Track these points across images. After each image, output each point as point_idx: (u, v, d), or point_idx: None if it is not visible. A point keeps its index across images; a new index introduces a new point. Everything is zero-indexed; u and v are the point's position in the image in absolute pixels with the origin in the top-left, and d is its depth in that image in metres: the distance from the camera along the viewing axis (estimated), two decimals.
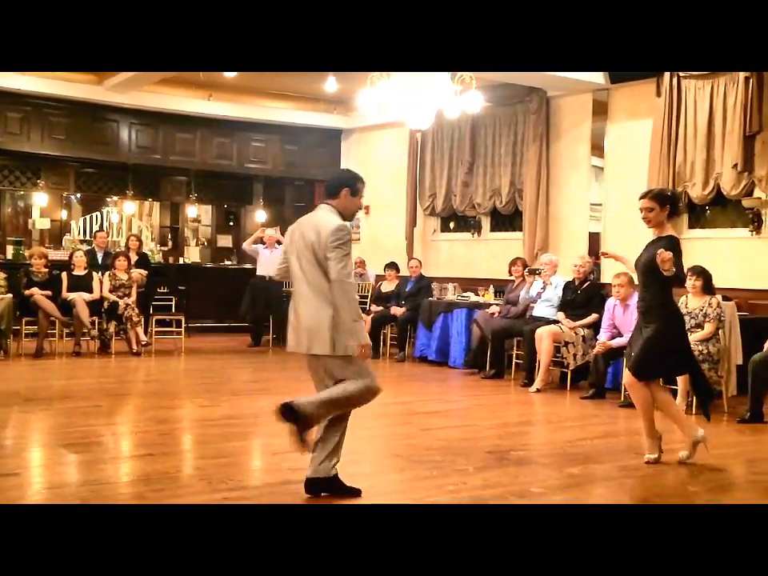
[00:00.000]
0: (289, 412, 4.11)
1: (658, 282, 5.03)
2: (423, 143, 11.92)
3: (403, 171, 12.14)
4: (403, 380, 8.90)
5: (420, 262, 10.83)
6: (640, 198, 5.18)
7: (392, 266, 10.91)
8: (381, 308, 10.53)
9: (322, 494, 4.21)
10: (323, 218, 4.29)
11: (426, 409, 6.91)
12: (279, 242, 10.95)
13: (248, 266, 12.35)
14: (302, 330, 4.22)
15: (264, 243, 11.03)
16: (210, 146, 12.65)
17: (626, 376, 5.26)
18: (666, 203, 5.10)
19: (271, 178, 13.67)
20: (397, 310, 10.27)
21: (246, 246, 11.18)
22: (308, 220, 4.36)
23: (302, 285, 4.25)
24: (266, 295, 10.83)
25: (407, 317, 10.18)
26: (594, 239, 9.88)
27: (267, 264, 10.78)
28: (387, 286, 10.87)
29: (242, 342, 11.05)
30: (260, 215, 14.14)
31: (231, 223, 14.62)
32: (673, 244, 4.99)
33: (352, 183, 4.37)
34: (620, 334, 7.62)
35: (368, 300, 10.93)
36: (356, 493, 4.24)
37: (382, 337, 10.31)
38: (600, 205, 10.02)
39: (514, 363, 8.76)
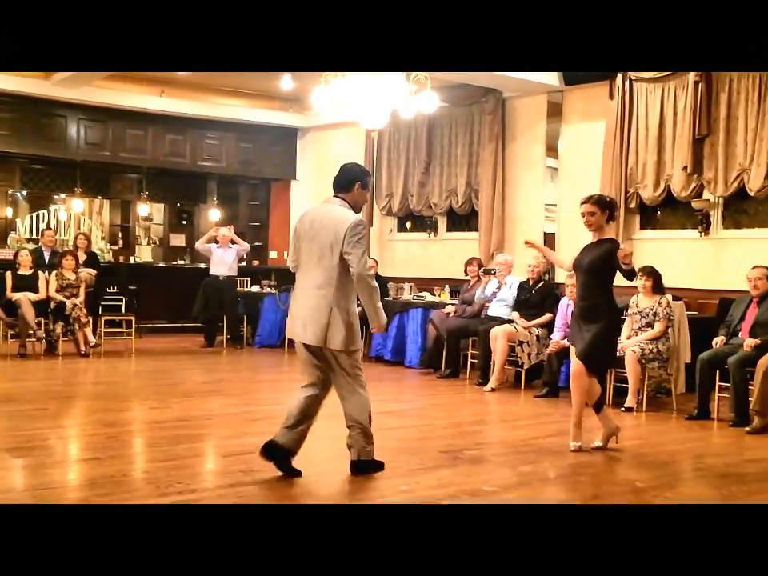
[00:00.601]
0: (362, 469, 4.58)
1: (604, 282, 5.36)
2: (379, 143, 11.95)
3: None
4: None
5: (376, 261, 10.80)
6: (582, 203, 5.44)
7: None
8: None
9: (272, 461, 4.49)
10: (340, 212, 4.44)
11: (381, 409, 6.80)
12: (233, 242, 10.95)
13: (201, 265, 12.30)
14: (311, 322, 4.40)
15: (217, 242, 10.94)
16: (162, 143, 12.50)
17: (575, 364, 5.43)
18: (605, 208, 5.39)
19: (226, 176, 13.59)
20: None
21: (200, 245, 11.06)
22: (324, 213, 4.48)
23: (314, 276, 4.41)
24: (219, 295, 10.76)
25: (363, 316, 10.17)
26: (550, 239, 10.01)
27: (220, 264, 10.77)
28: None
29: (195, 343, 10.97)
30: (214, 214, 14.05)
31: (184, 222, 14.51)
32: (618, 245, 5.30)
33: (363, 177, 4.57)
34: None
35: None
36: (297, 473, 4.53)
37: None
38: (555, 205, 10.15)
39: (469, 363, 8.78)
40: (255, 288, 11.55)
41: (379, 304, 4.44)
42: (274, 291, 11.16)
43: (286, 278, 11.85)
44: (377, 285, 4.46)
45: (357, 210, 4.57)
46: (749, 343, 6.54)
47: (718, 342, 6.85)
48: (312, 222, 4.51)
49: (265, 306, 10.98)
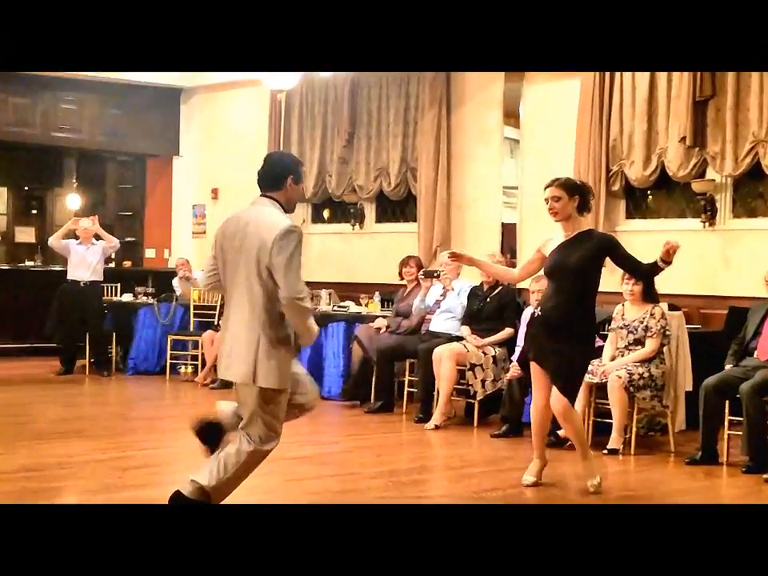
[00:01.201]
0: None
1: (593, 287, 5.67)
2: (288, 108, 12.00)
3: (263, 144, 12.11)
4: None
5: None
6: (546, 187, 5.73)
7: None
8: None
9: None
10: (267, 216, 4.62)
11: (292, 453, 6.76)
12: (98, 237, 11.00)
13: (57, 267, 12.24)
14: (231, 354, 4.66)
15: (77, 238, 10.87)
16: (3, 109, 12.40)
17: (559, 401, 5.66)
18: (575, 193, 5.65)
19: (87, 152, 13.71)
20: None
21: (54, 240, 10.96)
22: (250, 218, 4.64)
23: (238, 297, 4.65)
24: (80, 306, 10.71)
25: None
26: (510, 231, 10.05)
27: (81, 265, 10.74)
28: None
29: (49, 369, 10.93)
30: (73, 200, 14.30)
31: (34, 211, 14.83)
32: (613, 238, 5.74)
33: (295, 168, 4.80)
34: None
35: (216, 312, 10.67)
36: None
37: None
38: (516, 188, 10.19)
39: (405, 392, 8.80)
40: (127, 297, 11.59)
41: (311, 322, 4.69)
42: (151, 301, 11.22)
43: (167, 284, 11.73)
44: (310, 307, 4.69)
45: (290, 209, 4.80)
46: None
47: (729, 365, 6.93)
48: (236, 230, 4.68)
49: (140, 321, 11.01)
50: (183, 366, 10.53)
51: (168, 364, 10.58)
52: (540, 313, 5.77)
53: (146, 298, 11.27)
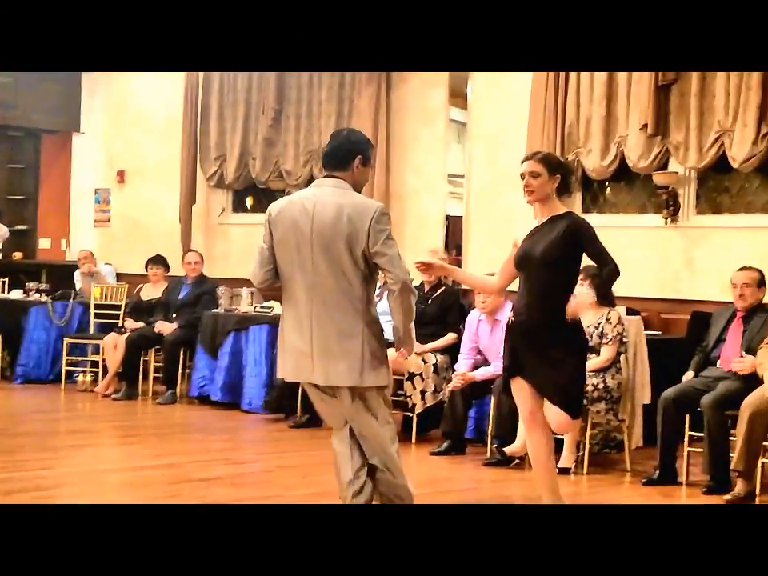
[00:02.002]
0: None
1: (569, 278, 5.52)
2: (207, 82, 11.98)
3: (177, 121, 12.10)
4: (172, 431, 8.83)
5: (201, 256, 10.74)
6: (523, 161, 5.50)
7: (158, 261, 10.79)
8: (140, 324, 10.37)
9: None
10: (350, 198, 4.79)
11: (204, 474, 6.90)
12: None
13: None
14: (326, 356, 4.82)
15: None
16: None
17: (560, 419, 5.45)
18: (556, 171, 5.44)
19: None
20: (164, 327, 10.14)
21: None
22: (326, 201, 4.77)
23: (320, 291, 4.81)
24: None
25: (180, 337, 10.08)
26: (456, 225, 10.16)
27: None
28: (150, 292, 10.75)
29: None
30: None
31: None
32: (582, 221, 5.55)
33: (365, 148, 4.95)
34: (486, 362, 7.82)
35: (120, 312, 10.74)
36: None
37: (141, 367, 10.17)
38: (462, 177, 10.27)
39: None
40: (16, 294, 11.47)
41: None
42: (45, 299, 11.10)
43: (64, 279, 11.71)
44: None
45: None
46: (737, 368, 6.72)
47: (689, 375, 7.06)
48: (303, 214, 4.79)
49: (31, 322, 10.93)
50: (81, 374, 10.44)
51: (63, 371, 10.50)
52: (513, 318, 5.52)
53: (38, 295, 11.12)
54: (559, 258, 5.34)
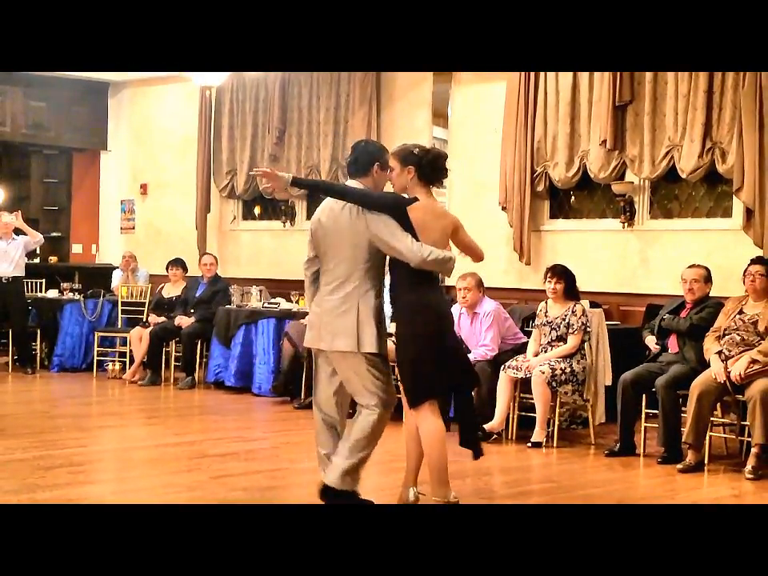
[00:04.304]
0: (330, 497, 4.94)
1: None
2: (219, 104, 11.97)
3: (193, 140, 12.08)
4: (191, 413, 8.86)
5: (215, 258, 10.75)
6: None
7: (177, 263, 10.78)
8: (162, 318, 10.37)
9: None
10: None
11: (219, 450, 6.90)
12: (18, 231, 10.81)
13: None
14: (326, 325, 4.95)
15: None
16: None
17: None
18: (408, 163, 4.98)
19: (11, 145, 13.37)
20: (183, 321, 10.14)
21: None
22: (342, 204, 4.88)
23: (337, 278, 4.92)
24: (2, 303, 10.62)
25: (197, 330, 10.08)
26: None
27: (3, 260, 10.68)
28: (171, 290, 10.74)
29: None
30: None
31: None
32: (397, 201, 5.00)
33: (381, 156, 5.00)
34: (467, 350, 7.83)
35: (145, 308, 10.75)
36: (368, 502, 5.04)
37: (164, 356, 10.17)
38: (444, 188, 10.19)
39: None
40: (52, 293, 11.42)
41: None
42: (77, 297, 11.08)
43: (94, 280, 11.73)
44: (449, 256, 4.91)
45: None
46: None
47: (650, 344, 7.16)
48: (335, 216, 4.91)
49: (65, 317, 10.91)
50: (110, 363, 10.46)
51: (95, 361, 10.52)
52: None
53: (72, 294, 11.14)
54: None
